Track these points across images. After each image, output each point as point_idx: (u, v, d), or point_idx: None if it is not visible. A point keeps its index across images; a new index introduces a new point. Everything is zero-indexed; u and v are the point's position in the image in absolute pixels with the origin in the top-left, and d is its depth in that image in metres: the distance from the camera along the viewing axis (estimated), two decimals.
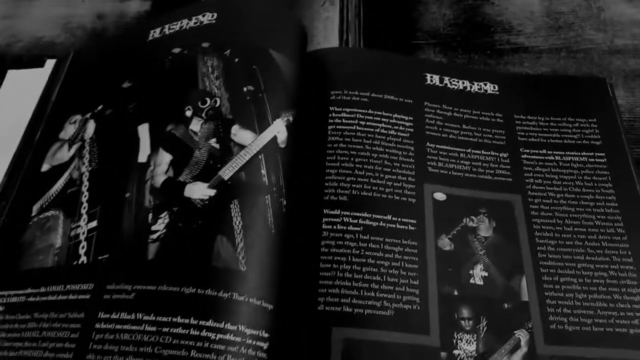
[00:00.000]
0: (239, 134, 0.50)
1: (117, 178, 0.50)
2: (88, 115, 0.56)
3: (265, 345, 0.42)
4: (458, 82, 0.64)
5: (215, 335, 0.40)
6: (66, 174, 0.53)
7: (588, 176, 0.58)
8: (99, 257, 0.46)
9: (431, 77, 0.63)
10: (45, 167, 0.55)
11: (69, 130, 0.56)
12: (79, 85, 0.61)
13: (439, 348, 0.47)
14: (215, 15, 0.59)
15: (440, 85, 0.63)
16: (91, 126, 0.55)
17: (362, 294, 0.48)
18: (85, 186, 0.51)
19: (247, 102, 0.52)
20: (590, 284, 0.51)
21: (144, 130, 0.52)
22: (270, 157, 0.49)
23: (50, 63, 0.66)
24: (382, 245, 0.51)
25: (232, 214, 0.46)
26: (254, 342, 0.41)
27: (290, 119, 0.51)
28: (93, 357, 0.41)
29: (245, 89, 0.53)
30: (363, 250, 0.50)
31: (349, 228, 0.51)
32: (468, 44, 0.73)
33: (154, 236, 0.46)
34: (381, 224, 0.52)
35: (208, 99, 0.52)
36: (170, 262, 0.44)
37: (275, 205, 0.47)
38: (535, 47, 0.73)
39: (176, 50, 0.57)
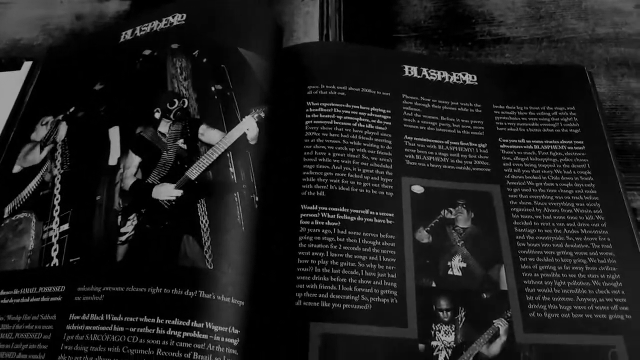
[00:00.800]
0: (207, 133, 0.50)
1: (89, 181, 0.50)
2: (60, 117, 0.56)
3: (235, 342, 0.41)
4: (436, 73, 0.63)
5: (181, 334, 0.40)
6: (38, 177, 0.53)
7: (567, 164, 0.57)
8: (71, 260, 0.46)
9: (409, 68, 0.63)
10: (16, 169, 0.55)
11: (40, 132, 0.56)
12: (51, 86, 0.60)
13: (417, 340, 0.47)
14: (185, 16, 0.58)
15: (419, 76, 0.62)
16: (63, 128, 0.55)
17: (340, 288, 0.48)
18: (57, 189, 0.51)
19: (215, 102, 0.52)
20: (570, 271, 0.51)
21: (114, 133, 0.52)
22: (240, 154, 0.49)
23: (27, 65, 0.65)
24: (359, 239, 0.50)
25: (199, 213, 0.45)
26: (222, 339, 0.41)
27: (262, 115, 0.51)
28: (64, 357, 0.41)
29: (213, 89, 0.52)
30: (341, 245, 0.50)
31: (326, 223, 0.51)
32: (449, 36, 0.73)
33: (123, 238, 0.46)
34: (359, 218, 0.52)
35: (176, 100, 0.52)
36: (138, 263, 0.44)
37: (246, 202, 0.47)
38: (516, 37, 0.73)
39: (147, 52, 0.57)
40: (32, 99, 0.61)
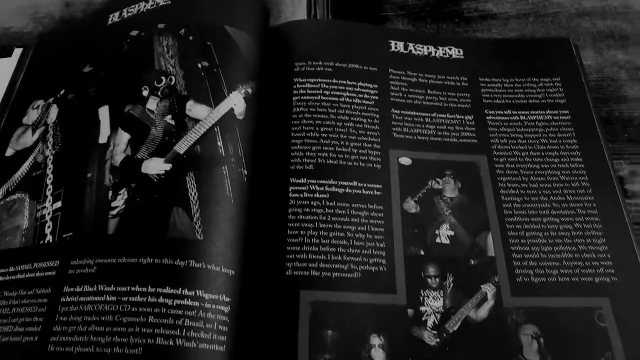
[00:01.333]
0: (194, 109, 0.51)
1: (80, 160, 0.51)
2: (51, 101, 0.57)
3: (226, 309, 0.42)
4: (423, 48, 0.64)
5: (173, 302, 0.41)
6: (31, 158, 0.53)
7: (553, 134, 0.58)
8: (64, 236, 0.47)
9: (396, 44, 0.63)
10: (9, 152, 0.56)
11: (32, 116, 0.57)
12: (42, 72, 0.61)
13: (406, 306, 0.47)
14: None
15: (405, 52, 0.63)
16: (54, 111, 0.56)
17: (329, 258, 0.49)
18: (50, 169, 0.52)
19: (202, 78, 0.52)
20: (556, 237, 0.51)
21: (104, 113, 0.53)
22: (228, 129, 0.50)
23: (18, 52, 0.66)
24: (348, 211, 0.51)
25: (188, 186, 0.46)
26: (213, 307, 0.42)
27: (250, 91, 0.52)
28: (59, 328, 0.42)
29: (200, 66, 0.53)
30: (330, 217, 0.51)
31: (315, 196, 0.52)
32: (436, 13, 0.73)
33: (114, 212, 0.47)
34: (347, 190, 0.52)
35: (164, 78, 0.53)
36: (129, 235, 0.45)
37: (235, 176, 0.48)
38: (503, 13, 0.73)
39: (134, 33, 0.58)
40: (23, 85, 0.62)
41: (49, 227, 0.48)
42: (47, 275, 0.45)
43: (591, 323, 0.47)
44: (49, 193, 0.50)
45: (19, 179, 0.53)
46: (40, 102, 0.57)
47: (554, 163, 0.56)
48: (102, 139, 0.51)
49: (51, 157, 0.52)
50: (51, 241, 0.47)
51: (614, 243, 0.51)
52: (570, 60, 0.63)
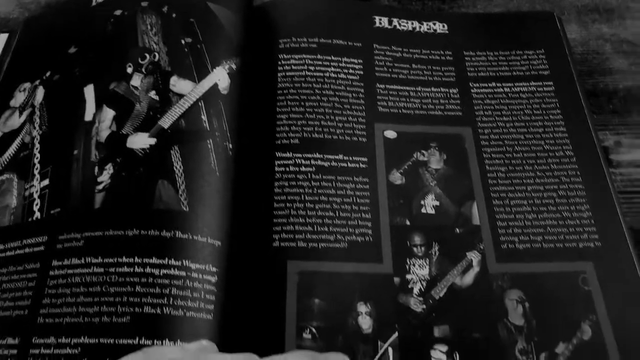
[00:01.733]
0: (178, 84, 0.51)
1: (66, 138, 0.51)
2: (37, 82, 0.57)
3: (213, 279, 0.43)
4: (407, 23, 0.64)
5: (159, 271, 0.42)
6: (18, 139, 0.54)
7: (537, 104, 0.58)
8: (51, 212, 0.47)
9: (380, 19, 0.64)
10: None
11: (19, 98, 0.57)
12: (28, 55, 0.61)
13: (392, 274, 0.48)
14: None
15: (389, 27, 0.63)
16: (40, 92, 0.56)
17: (315, 229, 0.49)
18: (37, 149, 0.52)
19: (185, 54, 0.53)
20: (540, 204, 0.52)
21: (89, 91, 0.53)
22: (212, 104, 0.50)
23: (3, 37, 0.66)
24: (334, 183, 0.52)
25: (173, 160, 0.47)
26: (200, 276, 0.42)
27: (233, 66, 0.52)
28: (48, 301, 0.43)
29: (183, 42, 0.54)
30: (316, 189, 0.51)
31: (301, 169, 0.52)
32: None
33: (100, 187, 0.47)
34: (333, 163, 0.53)
35: (147, 55, 0.53)
36: (115, 208, 0.46)
37: (219, 149, 0.48)
38: None
39: (117, 12, 0.58)
40: (9, 69, 0.62)
41: (36, 204, 0.48)
42: (36, 251, 0.45)
43: (575, 287, 0.47)
44: (36, 172, 0.51)
45: (7, 160, 0.53)
46: (27, 85, 0.58)
47: (538, 133, 0.56)
48: (88, 117, 0.51)
49: (38, 137, 0.53)
50: (39, 217, 0.47)
51: (598, 209, 0.52)
52: (554, 33, 0.64)
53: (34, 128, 0.54)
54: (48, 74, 0.57)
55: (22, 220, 0.49)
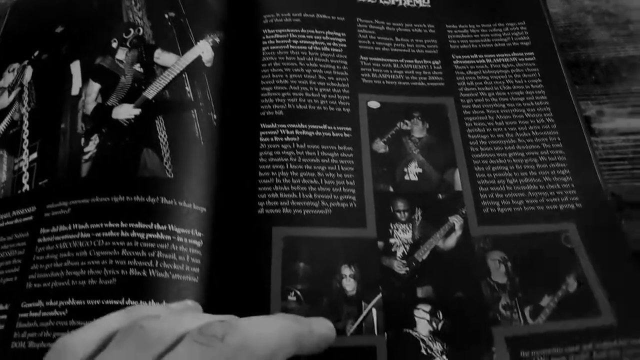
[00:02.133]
0: (162, 57, 0.52)
1: (54, 113, 0.52)
2: (25, 62, 0.58)
3: (199, 244, 0.44)
4: None
5: (145, 235, 0.43)
6: (7, 118, 0.55)
7: (518, 74, 0.59)
8: (40, 183, 0.48)
9: None
10: None
11: (7, 78, 0.58)
12: (16, 37, 0.62)
13: (376, 238, 0.49)
14: None
15: (373, 1, 0.64)
16: (29, 72, 0.57)
17: (300, 196, 0.50)
18: (26, 125, 0.53)
19: (169, 28, 0.54)
20: (521, 170, 0.53)
21: (75, 67, 0.54)
22: (196, 75, 0.51)
23: None
24: (318, 152, 0.53)
25: (157, 129, 0.48)
26: (185, 240, 0.43)
27: (217, 40, 0.53)
28: (37, 267, 0.44)
29: (166, 16, 0.55)
30: (300, 158, 0.52)
31: (285, 139, 0.53)
32: None
33: (86, 157, 0.48)
34: (317, 133, 0.54)
35: (131, 30, 0.54)
36: (101, 176, 0.46)
37: (204, 119, 0.49)
38: None
39: None
40: None
41: (25, 177, 0.49)
42: (25, 221, 0.46)
43: (558, 244, 0.48)
44: (25, 146, 0.51)
45: None
46: (15, 65, 0.58)
47: (519, 102, 0.57)
48: (74, 91, 0.52)
49: (26, 114, 0.54)
50: (28, 189, 0.48)
51: (578, 174, 0.53)
52: (534, 5, 0.65)
53: (23, 106, 0.55)
54: (36, 53, 0.58)
55: (11, 194, 0.49)
